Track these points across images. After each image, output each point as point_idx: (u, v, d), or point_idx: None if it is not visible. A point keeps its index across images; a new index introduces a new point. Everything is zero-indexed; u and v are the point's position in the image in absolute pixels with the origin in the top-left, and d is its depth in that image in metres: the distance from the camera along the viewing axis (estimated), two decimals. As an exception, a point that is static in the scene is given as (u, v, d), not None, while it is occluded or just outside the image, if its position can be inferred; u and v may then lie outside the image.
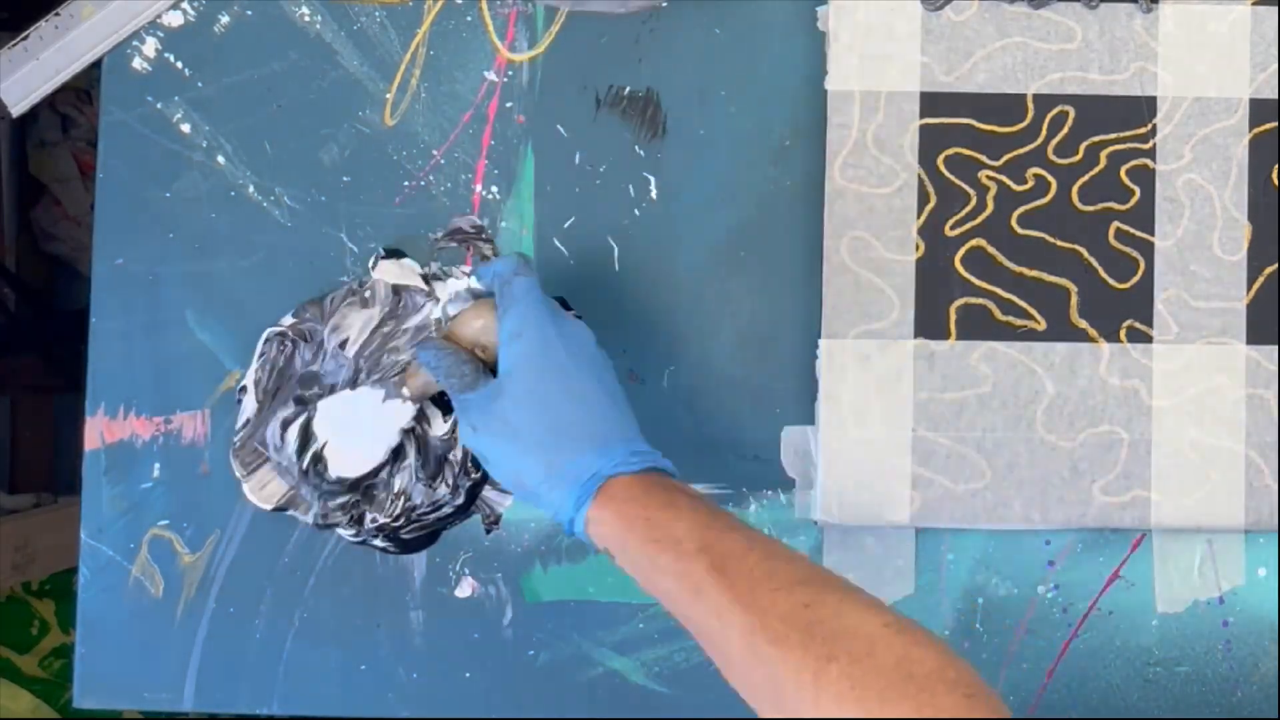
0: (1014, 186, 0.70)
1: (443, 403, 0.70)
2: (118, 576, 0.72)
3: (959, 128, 0.70)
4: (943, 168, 0.70)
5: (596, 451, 0.59)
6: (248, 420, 0.71)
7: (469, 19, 0.73)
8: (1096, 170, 0.70)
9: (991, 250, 0.70)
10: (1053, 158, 0.71)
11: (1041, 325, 0.70)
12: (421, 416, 0.70)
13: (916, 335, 0.70)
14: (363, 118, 0.73)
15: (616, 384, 0.62)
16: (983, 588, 0.71)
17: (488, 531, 0.72)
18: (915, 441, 0.70)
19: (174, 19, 0.73)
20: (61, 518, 1.38)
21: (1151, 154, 0.70)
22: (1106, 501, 0.69)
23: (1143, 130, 0.70)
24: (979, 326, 0.70)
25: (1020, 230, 0.70)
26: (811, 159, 0.72)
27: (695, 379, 0.72)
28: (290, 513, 0.71)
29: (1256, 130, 0.70)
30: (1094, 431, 0.70)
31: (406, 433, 0.69)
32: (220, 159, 0.73)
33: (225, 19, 0.73)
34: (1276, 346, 0.70)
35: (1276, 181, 0.70)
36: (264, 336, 0.71)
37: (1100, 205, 0.70)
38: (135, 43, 0.73)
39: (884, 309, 0.70)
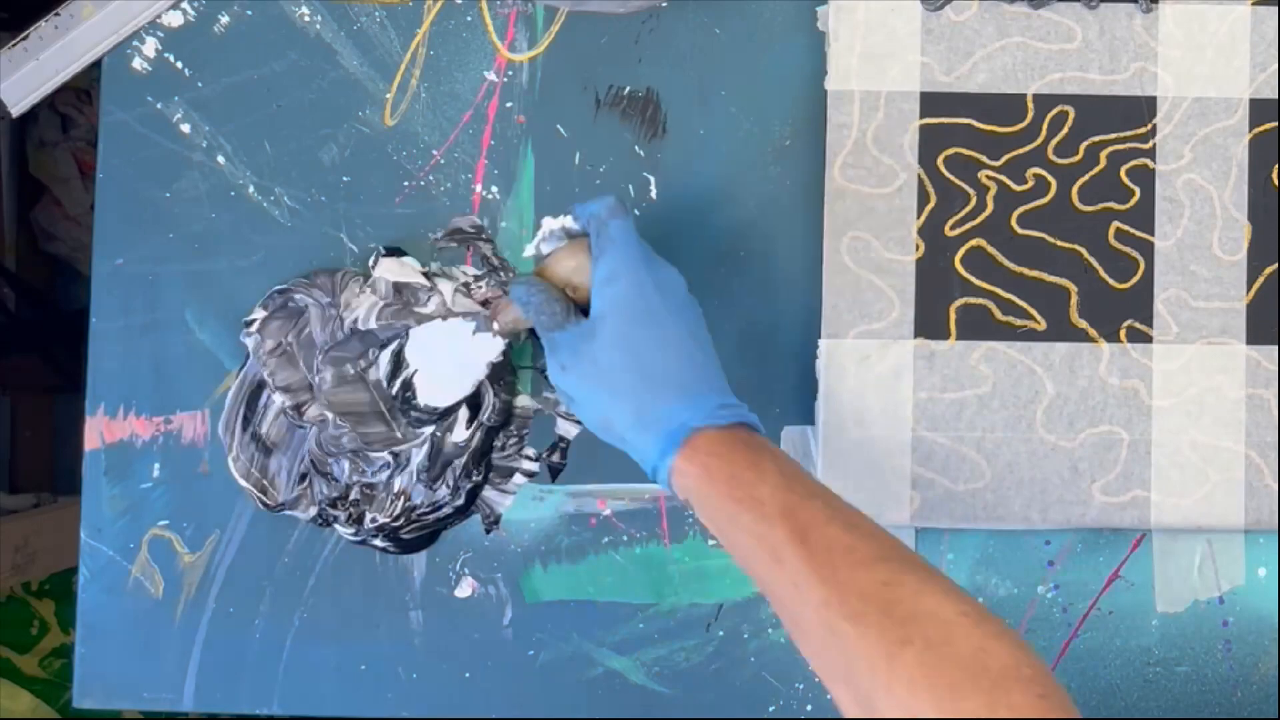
0: (1014, 186, 0.70)
1: (473, 404, 0.70)
2: (118, 576, 0.72)
3: (959, 128, 0.70)
4: (943, 168, 0.70)
5: (686, 402, 0.59)
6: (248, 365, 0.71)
7: (469, 19, 0.73)
8: (1096, 170, 0.70)
9: (991, 250, 0.70)
10: (1053, 158, 0.71)
11: (1041, 325, 0.70)
12: (444, 422, 0.70)
13: (916, 335, 0.70)
14: (363, 118, 0.73)
15: (706, 334, 0.62)
16: (983, 588, 0.71)
17: (487, 531, 0.72)
18: (915, 441, 0.70)
19: (174, 19, 0.73)
20: (61, 518, 1.39)
21: (1151, 154, 0.70)
22: (1106, 501, 0.69)
23: (1143, 130, 0.71)
24: (979, 326, 0.70)
25: (1020, 230, 0.70)
26: (811, 159, 0.72)
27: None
28: (290, 513, 0.71)
29: (1256, 130, 0.70)
30: (1094, 431, 0.70)
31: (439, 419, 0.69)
32: (220, 159, 0.73)
33: (225, 19, 0.73)
34: (1276, 346, 0.70)
35: (1276, 181, 0.70)
36: (275, 289, 0.71)
37: (1100, 205, 0.70)
38: (135, 43, 0.73)
39: (884, 309, 0.70)
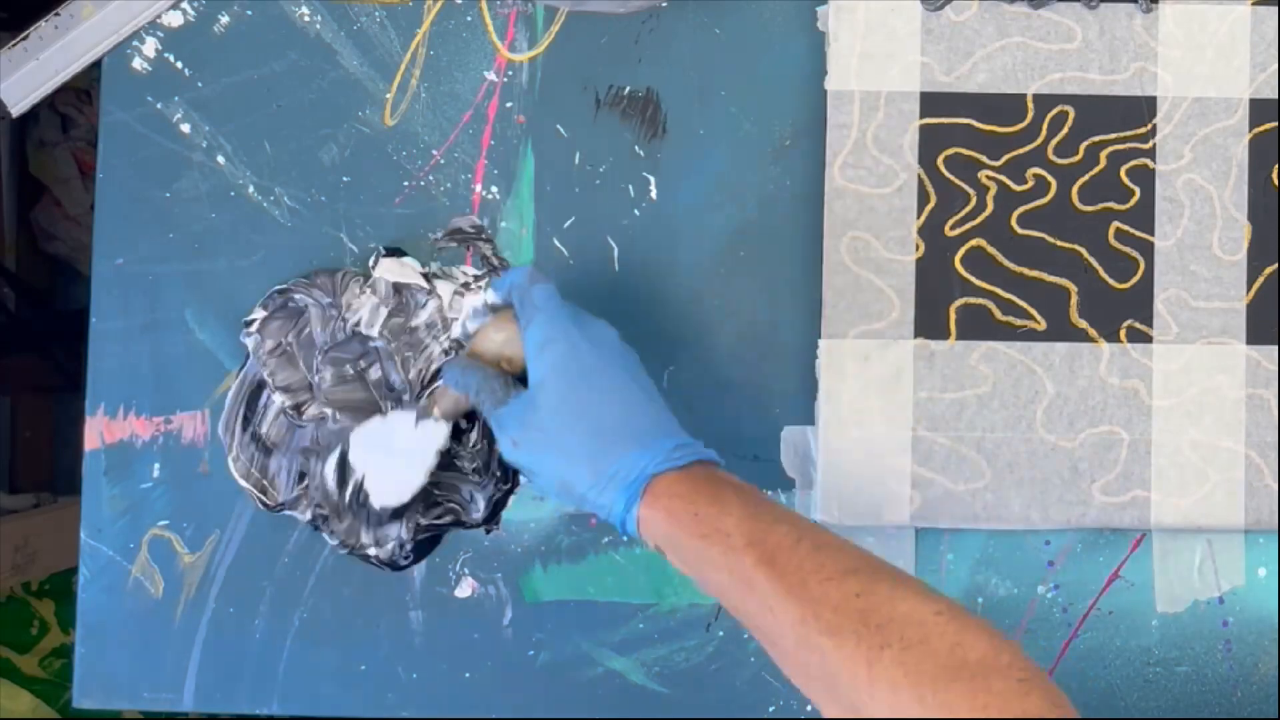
0: (1014, 186, 0.70)
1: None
2: (118, 576, 0.72)
3: (959, 128, 0.70)
4: (943, 168, 0.70)
5: (640, 450, 0.59)
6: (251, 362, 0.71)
7: (469, 19, 0.73)
8: (1096, 170, 0.70)
9: (991, 250, 0.70)
10: (1053, 158, 0.71)
11: (1041, 325, 0.70)
12: (404, 518, 0.70)
13: (916, 335, 0.70)
14: (363, 118, 0.73)
15: (648, 379, 0.62)
16: (983, 588, 0.71)
17: (487, 532, 0.72)
18: (915, 441, 0.70)
19: (174, 19, 0.73)
20: (61, 518, 1.38)
21: (1151, 154, 0.70)
22: (1106, 501, 0.69)
23: (1143, 130, 0.70)
24: (979, 326, 0.70)
25: (1020, 230, 0.70)
26: (811, 159, 0.72)
27: (695, 379, 0.72)
28: (290, 513, 0.71)
29: (1256, 130, 0.70)
30: (1094, 431, 0.70)
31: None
32: (220, 159, 0.73)
33: (225, 19, 0.73)
34: (1276, 346, 0.70)
35: (1276, 181, 0.70)
36: (275, 289, 0.71)
37: (1100, 205, 0.70)
38: (135, 43, 0.73)
39: (884, 309, 0.70)
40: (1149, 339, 0.70)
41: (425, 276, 0.71)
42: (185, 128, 0.73)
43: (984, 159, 0.70)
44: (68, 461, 1.49)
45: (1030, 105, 0.70)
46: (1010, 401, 0.70)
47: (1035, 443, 0.70)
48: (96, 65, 0.73)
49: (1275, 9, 0.70)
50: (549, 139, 0.73)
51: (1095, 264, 0.70)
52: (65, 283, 1.59)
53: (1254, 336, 0.70)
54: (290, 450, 0.71)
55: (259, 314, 0.71)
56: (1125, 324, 0.70)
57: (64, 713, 1.27)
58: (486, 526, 0.72)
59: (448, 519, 0.71)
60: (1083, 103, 0.70)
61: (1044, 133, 0.70)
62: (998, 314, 0.70)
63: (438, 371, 0.70)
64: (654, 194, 0.72)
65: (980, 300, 0.70)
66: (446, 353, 0.70)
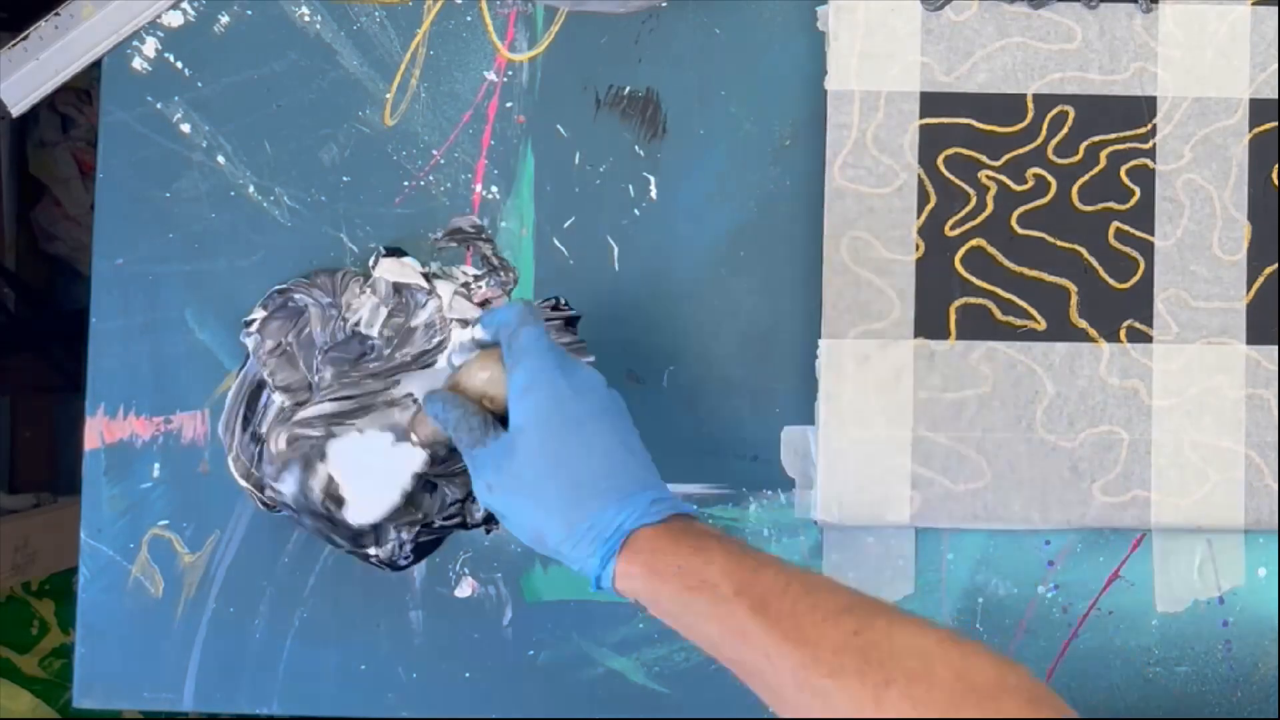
0: (1014, 186, 0.70)
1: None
2: (118, 576, 0.72)
3: (959, 128, 0.70)
4: (943, 168, 0.70)
5: (618, 505, 0.57)
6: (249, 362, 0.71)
7: (469, 19, 0.73)
8: (1096, 170, 0.70)
9: (991, 250, 0.70)
10: (1053, 158, 0.71)
11: (1041, 325, 0.70)
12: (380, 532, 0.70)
13: (916, 335, 0.70)
14: (363, 118, 0.73)
15: (632, 430, 0.61)
16: (983, 588, 0.71)
17: (487, 532, 0.72)
18: (915, 441, 0.70)
19: (174, 19, 0.73)
20: (61, 518, 1.38)
21: (1151, 154, 0.70)
22: (1106, 501, 0.69)
23: (1143, 130, 0.70)
24: (979, 326, 0.70)
25: (1020, 230, 0.70)
26: (811, 159, 0.72)
27: (695, 379, 0.72)
28: (288, 514, 0.71)
29: (1256, 130, 0.70)
30: (1094, 431, 0.70)
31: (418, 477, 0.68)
32: (220, 159, 0.73)
33: (225, 19, 0.73)
34: (1276, 346, 0.70)
35: (1276, 181, 0.70)
36: (275, 289, 0.71)
37: (1100, 205, 0.70)
38: (135, 43, 0.73)
39: (884, 309, 0.70)
40: (1149, 339, 0.70)
41: (425, 276, 0.71)
42: (185, 128, 0.73)
43: (984, 159, 0.70)
44: (68, 461, 1.49)
45: (1030, 105, 0.70)
46: (1010, 401, 0.70)
47: (1035, 443, 0.70)
48: (96, 65, 0.73)
49: (1275, 9, 0.70)
50: (549, 139, 0.73)
51: (1095, 264, 0.70)
52: (65, 283, 1.59)
53: (1254, 336, 0.70)
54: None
55: (259, 314, 0.71)
56: (1125, 324, 0.70)
57: (64, 713, 1.27)
58: (486, 526, 0.72)
59: (454, 521, 0.71)
60: (1083, 103, 0.70)
61: (1044, 133, 0.70)
62: (998, 314, 0.70)
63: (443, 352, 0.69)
64: (654, 194, 0.72)
65: (980, 300, 0.70)
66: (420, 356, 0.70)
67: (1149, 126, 0.70)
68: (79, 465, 0.72)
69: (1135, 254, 0.70)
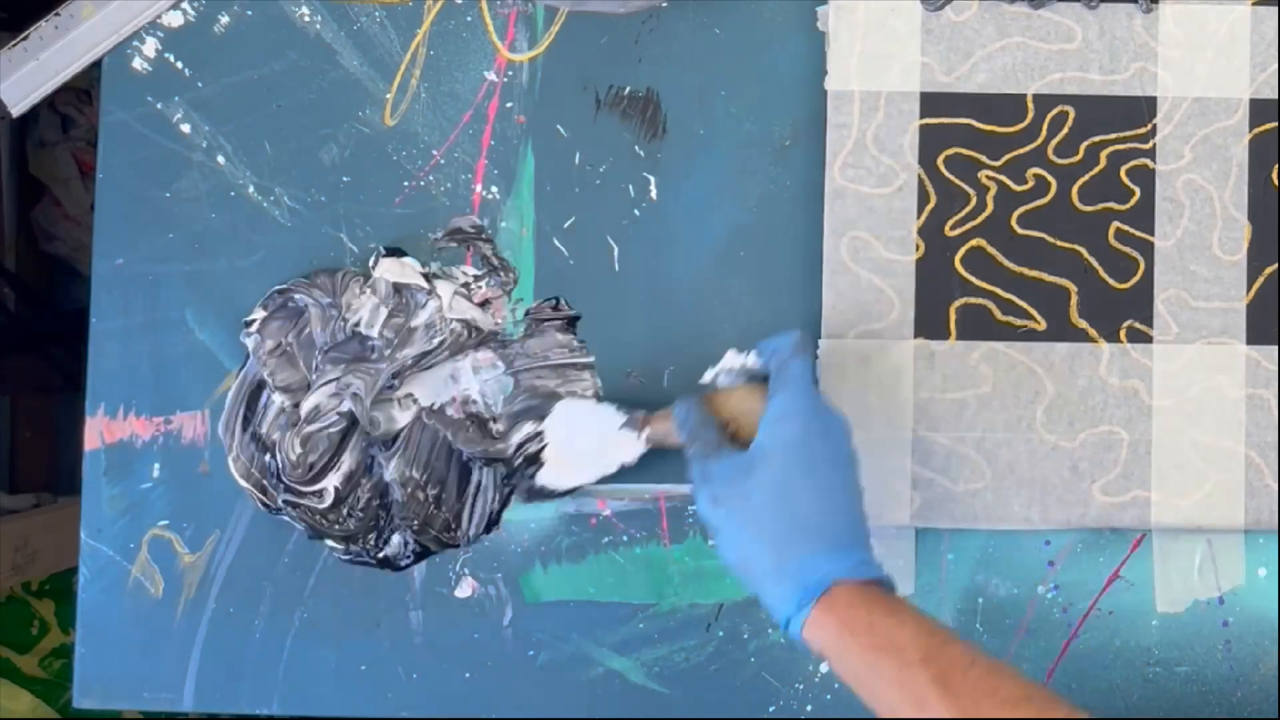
0: (1014, 186, 0.70)
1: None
2: (118, 576, 0.72)
3: (959, 128, 0.70)
4: (943, 168, 0.70)
5: (829, 554, 0.58)
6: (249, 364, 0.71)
7: (469, 19, 0.73)
8: (1096, 170, 0.70)
9: (991, 250, 0.70)
10: (1053, 158, 0.71)
11: (1041, 325, 0.70)
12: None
13: (916, 335, 0.70)
14: (363, 118, 0.73)
15: (860, 486, 0.62)
16: (983, 588, 0.71)
17: (487, 531, 0.72)
18: (915, 441, 0.70)
19: (174, 19, 0.73)
20: (61, 518, 1.38)
21: (1151, 154, 0.70)
22: (1106, 501, 0.69)
23: (1143, 130, 0.71)
24: (979, 326, 0.70)
25: (1020, 230, 0.70)
26: (811, 159, 0.72)
27: (695, 379, 0.72)
28: (287, 516, 0.71)
29: (1256, 130, 0.70)
30: (1094, 431, 0.70)
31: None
32: (220, 159, 0.73)
33: (225, 19, 0.73)
34: (1276, 346, 0.70)
35: (1276, 181, 0.70)
36: (275, 289, 0.71)
37: (1100, 205, 0.70)
38: (135, 43, 0.73)
39: (884, 309, 0.70)
40: (1149, 339, 0.70)
41: (425, 277, 0.71)
42: (185, 128, 0.73)
43: (984, 159, 0.70)
44: (68, 461, 1.49)
45: (1030, 105, 0.70)
46: (1010, 401, 0.70)
47: (1035, 443, 0.70)
48: (96, 65, 0.73)
49: (1275, 9, 0.70)
50: (549, 139, 0.73)
51: (1095, 264, 0.70)
52: (65, 283, 1.59)
53: (1254, 336, 0.70)
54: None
55: (259, 314, 0.71)
56: (1125, 324, 0.70)
57: (64, 713, 1.27)
58: (486, 526, 0.72)
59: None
60: (1083, 103, 0.70)
61: (1044, 133, 0.70)
62: (998, 314, 0.70)
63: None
64: (654, 194, 0.72)
65: (980, 300, 0.70)
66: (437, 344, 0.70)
67: (1149, 126, 0.70)
68: (79, 465, 0.72)
69: (1135, 254, 0.70)
